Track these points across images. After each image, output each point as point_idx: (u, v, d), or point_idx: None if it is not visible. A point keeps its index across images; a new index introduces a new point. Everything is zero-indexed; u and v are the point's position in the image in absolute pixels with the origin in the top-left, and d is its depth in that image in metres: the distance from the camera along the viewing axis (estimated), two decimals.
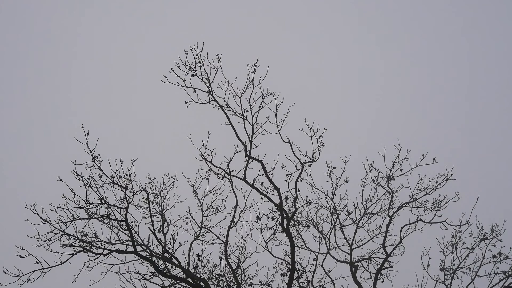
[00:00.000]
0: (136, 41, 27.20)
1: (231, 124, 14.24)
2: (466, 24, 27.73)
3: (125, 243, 13.57)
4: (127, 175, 13.49)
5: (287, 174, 14.53)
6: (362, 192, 15.12)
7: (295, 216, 14.73)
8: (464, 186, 14.99)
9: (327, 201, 15.12)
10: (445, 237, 14.91)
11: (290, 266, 14.16)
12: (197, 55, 14.01)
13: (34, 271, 13.11)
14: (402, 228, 14.96)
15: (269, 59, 14.46)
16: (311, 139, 14.46)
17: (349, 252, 14.99)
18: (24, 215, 13.10)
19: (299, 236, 15.00)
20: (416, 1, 27.87)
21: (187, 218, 14.46)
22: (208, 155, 14.28)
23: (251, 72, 14.11)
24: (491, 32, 27.55)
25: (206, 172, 14.52)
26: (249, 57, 14.14)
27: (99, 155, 13.35)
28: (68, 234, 13.30)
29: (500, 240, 14.70)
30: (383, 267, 14.83)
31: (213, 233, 14.55)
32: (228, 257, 14.35)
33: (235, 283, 14.13)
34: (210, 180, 14.58)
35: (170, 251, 13.93)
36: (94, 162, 13.33)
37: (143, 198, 14.16)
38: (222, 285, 14.22)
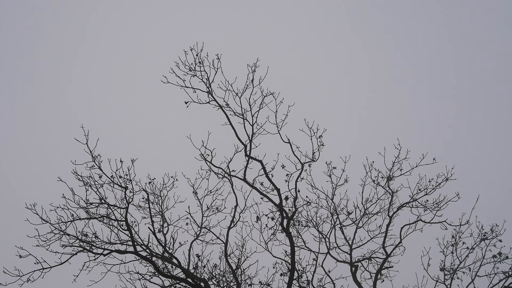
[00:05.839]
0: (136, 41, 27.24)
1: (231, 124, 14.24)
2: (464, 21, 27.75)
3: (125, 243, 13.59)
4: (127, 175, 13.51)
5: (287, 174, 14.54)
6: (362, 192, 15.13)
7: (295, 216, 14.74)
8: (464, 186, 14.99)
9: (327, 201, 15.13)
10: (445, 237, 14.94)
11: (290, 266, 14.16)
12: (196, 55, 14.03)
13: (34, 271, 13.12)
14: (402, 228, 14.96)
15: (269, 59, 14.48)
16: (311, 139, 14.48)
17: (349, 252, 14.99)
18: (24, 215, 13.12)
19: (299, 236, 15.00)
20: None
21: (187, 218, 14.47)
22: (208, 155, 14.30)
23: (251, 72, 14.13)
24: (491, 28, 27.57)
25: (206, 172, 14.54)
26: (249, 57, 14.16)
27: (99, 155, 13.38)
28: (68, 234, 13.32)
29: (500, 240, 14.70)
30: (383, 267, 14.83)
31: (213, 233, 14.58)
32: (228, 257, 14.35)
33: (235, 283, 14.13)
34: (210, 180, 14.61)
35: (170, 251, 13.94)
36: (94, 162, 13.35)
37: (143, 198, 14.18)
38: (222, 285, 14.22)
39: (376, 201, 15.10)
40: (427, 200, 14.99)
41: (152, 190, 14.34)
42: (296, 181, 14.52)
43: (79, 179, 13.35)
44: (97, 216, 13.47)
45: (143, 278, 13.87)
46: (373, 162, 15.05)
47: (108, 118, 24.71)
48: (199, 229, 14.50)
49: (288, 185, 14.53)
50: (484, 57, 27.45)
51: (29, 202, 13.14)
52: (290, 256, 14.22)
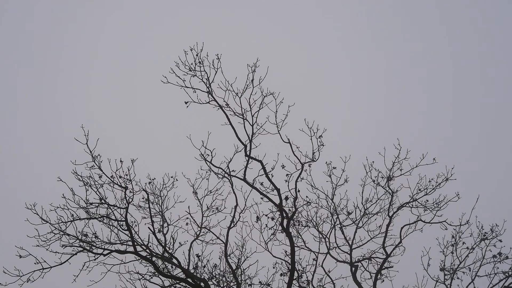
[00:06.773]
0: (136, 41, 27.24)
1: (231, 124, 14.23)
2: (463, 20, 27.75)
3: (125, 243, 13.58)
4: (127, 175, 13.51)
5: (287, 174, 14.53)
6: (362, 192, 15.13)
7: (295, 216, 14.73)
8: (464, 186, 14.99)
9: (327, 201, 15.13)
10: (445, 237, 14.94)
11: (290, 266, 14.15)
12: (196, 55, 14.02)
13: (34, 271, 13.12)
14: (402, 228, 14.96)
15: (269, 59, 14.47)
16: (311, 139, 14.47)
17: (349, 252, 14.99)
18: (24, 215, 13.11)
19: (299, 236, 15.00)
20: None
21: (187, 218, 14.47)
22: (208, 155, 14.29)
23: (251, 72, 14.12)
24: (490, 27, 27.57)
25: (206, 172, 14.53)
26: (249, 57, 14.15)
27: (99, 155, 13.37)
28: (68, 234, 13.31)
29: (500, 240, 14.70)
30: (383, 267, 14.83)
31: (213, 233, 14.58)
32: (228, 257, 14.35)
33: (235, 283, 14.13)
34: (210, 180, 14.60)
35: (170, 251, 13.94)
36: (94, 162, 13.34)
37: (143, 198, 14.17)
38: (222, 285, 14.22)
39: (376, 201, 15.11)
40: (427, 200, 14.99)
41: (152, 190, 14.34)
42: (296, 181, 14.52)
43: (79, 179, 13.34)
44: (97, 216, 13.46)
45: (143, 278, 13.87)
46: (373, 162, 15.06)
47: (108, 118, 24.72)
48: (199, 229, 14.50)
49: (288, 185, 14.54)
50: (483, 57, 27.47)
51: (29, 202, 13.14)
52: (290, 256, 14.21)
